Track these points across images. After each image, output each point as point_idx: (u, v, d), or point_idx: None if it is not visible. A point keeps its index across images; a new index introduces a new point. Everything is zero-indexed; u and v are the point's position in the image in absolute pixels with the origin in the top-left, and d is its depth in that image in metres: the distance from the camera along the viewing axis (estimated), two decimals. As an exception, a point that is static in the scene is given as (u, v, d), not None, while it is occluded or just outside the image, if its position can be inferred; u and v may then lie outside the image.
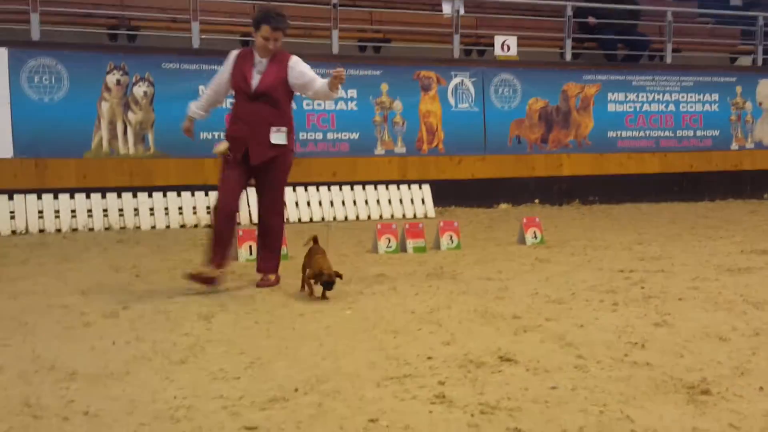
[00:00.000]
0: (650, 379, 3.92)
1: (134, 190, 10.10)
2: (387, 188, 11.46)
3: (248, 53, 6.17)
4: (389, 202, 11.39)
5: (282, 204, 6.36)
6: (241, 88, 6.08)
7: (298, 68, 6.12)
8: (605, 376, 4.01)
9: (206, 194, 10.18)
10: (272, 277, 6.35)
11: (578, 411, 3.49)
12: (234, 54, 6.22)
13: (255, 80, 6.04)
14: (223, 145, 6.09)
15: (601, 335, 4.81)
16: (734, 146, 13.98)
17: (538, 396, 3.70)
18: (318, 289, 5.87)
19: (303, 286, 6.07)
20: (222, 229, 6.05)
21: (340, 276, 5.81)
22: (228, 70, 6.17)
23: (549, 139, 12.92)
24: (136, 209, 10.04)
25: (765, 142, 14.26)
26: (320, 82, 6.11)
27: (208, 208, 6.21)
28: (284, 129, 6.11)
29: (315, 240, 6.17)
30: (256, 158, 6.04)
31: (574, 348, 4.52)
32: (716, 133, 13.89)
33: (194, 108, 6.36)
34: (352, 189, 11.25)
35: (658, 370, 4.08)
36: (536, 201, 12.69)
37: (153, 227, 9.97)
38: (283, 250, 7.58)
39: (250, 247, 7.57)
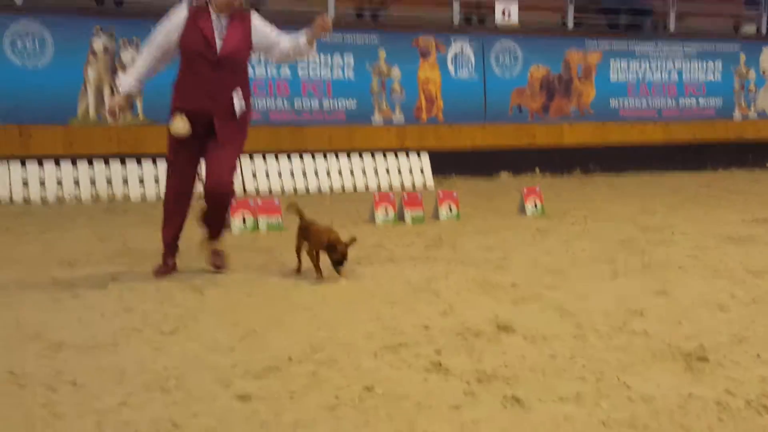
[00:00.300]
0: (648, 348, 3.94)
1: (123, 158, 10.06)
2: (385, 157, 11.44)
3: (202, 10, 5.31)
4: (387, 171, 11.38)
5: (234, 169, 5.56)
6: (202, 53, 5.25)
7: (263, 27, 5.46)
8: (603, 344, 4.03)
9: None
10: (219, 247, 5.81)
11: (576, 379, 3.52)
12: (183, 10, 5.32)
13: (218, 44, 5.29)
14: (181, 124, 5.33)
15: (600, 304, 4.83)
16: (737, 115, 13.95)
17: (535, 364, 3.72)
18: (326, 267, 5.54)
19: (299, 268, 5.69)
20: (172, 212, 5.66)
21: (353, 243, 5.48)
22: (176, 29, 5.27)
23: (550, 107, 12.88)
24: (124, 178, 10.01)
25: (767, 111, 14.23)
26: (289, 41, 5.48)
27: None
28: (240, 92, 5.42)
29: (298, 211, 5.77)
30: (224, 134, 5.39)
31: (573, 317, 4.54)
32: (719, 102, 13.84)
33: (130, 81, 5.38)
34: (348, 158, 11.23)
35: (656, 338, 4.11)
36: (537, 170, 12.67)
37: (143, 197, 9.94)
38: (278, 219, 7.58)
39: (244, 218, 7.57)
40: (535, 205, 8.74)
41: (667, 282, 5.38)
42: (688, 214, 8.62)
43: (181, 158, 5.50)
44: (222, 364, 3.75)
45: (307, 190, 10.84)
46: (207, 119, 5.37)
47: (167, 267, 5.70)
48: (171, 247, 5.74)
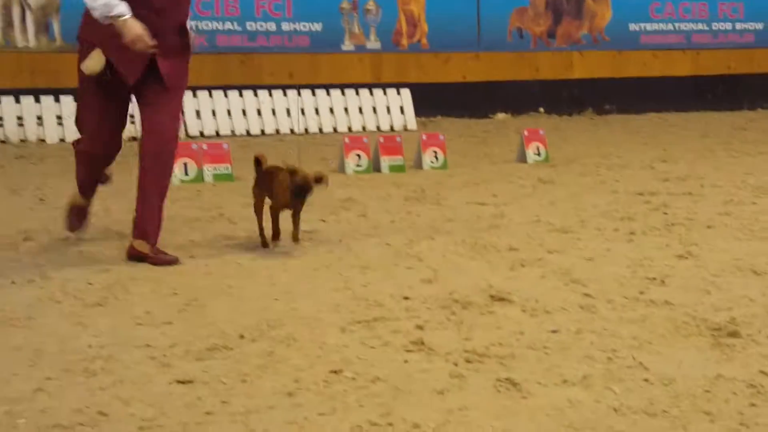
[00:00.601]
0: (669, 321, 3.99)
1: (37, 93, 9.93)
2: (357, 93, 11.40)
3: None
4: (360, 110, 11.35)
5: (179, 125, 5.49)
6: None
7: None
8: (616, 317, 4.07)
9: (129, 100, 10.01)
10: (146, 249, 5.08)
11: (582, 358, 3.55)
12: None
13: None
14: (97, 60, 5.02)
15: (614, 270, 4.87)
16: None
17: (535, 341, 3.75)
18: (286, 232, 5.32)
19: (265, 241, 5.42)
20: (84, 179, 5.48)
21: (320, 180, 5.25)
22: None
23: (557, 32, 12.85)
24: (39, 117, 9.90)
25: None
26: None
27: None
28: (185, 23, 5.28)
29: (259, 161, 5.48)
30: (172, 76, 5.17)
31: (581, 285, 4.57)
32: (759, 26, 13.86)
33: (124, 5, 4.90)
34: (313, 94, 11.18)
35: (678, 309, 4.15)
36: (540, 110, 12.71)
37: (62, 140, 9.82)
38: (227, 168, 7.55)
39: (186, 166, 7.52)
40: (538, 152, 8.76)
41: (692, 244, 5.43)
42: (720, 162, 8.69)
43: (100, 110, 5.20)
44: (158, 342, 3.75)
45: (263, 132, 10.79)
46: (143, 59, 5.03)
47: (80, 216, 5.53)
48: (86, 189, 5.52)
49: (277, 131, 10.81)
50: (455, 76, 12.24)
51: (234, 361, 3.53)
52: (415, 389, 3.24)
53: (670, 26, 13.37)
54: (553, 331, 3.88)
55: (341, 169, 8.07)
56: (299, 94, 10.90)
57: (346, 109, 11.27)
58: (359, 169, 8.05)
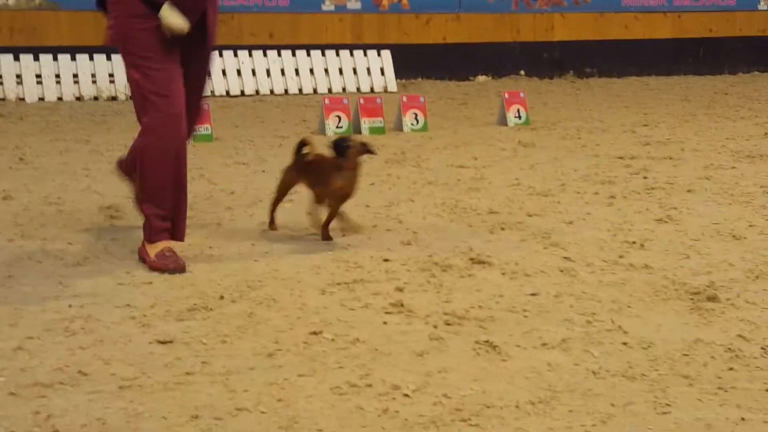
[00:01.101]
0: (648, 285, 4.02)
1: (16, 52, 9.82)
2: (337, 54, 11.31)
3: None
4: (340, 71, 11.27)
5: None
6: None
7: None
8: (595, 281, 4.10)
9: (108, 58, 9.93)
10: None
11: (562, 321, 3.58)
12: None
13: None
14: (177, 14, 4.21)
15: (593, 233, 4.89)
16: (763, 6, 13.99)
17: (514, 304, 3.78)
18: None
19: (273, 216, 4.96)
20: (167, 177, 4.33)
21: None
22: None
23: (539, -6, 12.79)
24: (18, 76, 9.79)
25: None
26: None
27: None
28: None
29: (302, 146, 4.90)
30: (213, 24, 4.49)
31: (561, 249, 4.60)
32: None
33: None
34: (293, 55, 11.08)
35: (658, 273, 4.18)
36: (521, 72, 12.65)
37: (41, 99, 9.76)
38: (207, 129, 7.50)
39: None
40: (519, 115, 8.75)
41: (672, 208, 5.46)
42: (701, 126, 8.70)
43: (173, 77, 4.30)
44: (139, 302, 3.75)
45: (242, 92, 10.71)
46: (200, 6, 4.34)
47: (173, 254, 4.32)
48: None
49: (257, 92, 10.72)
50: (436, 38, 12.16)
51: (214, 322, 3.54)
52: (394, 351, 3.26)
53: (652, -11, 13.33)
54: (533, 294, 3.90)
55: (321, 130, 8.03)
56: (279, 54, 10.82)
57: (326, 70, 11.18)
58: (339, 130, 8.01)
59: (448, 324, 3.55)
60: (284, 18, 11.35)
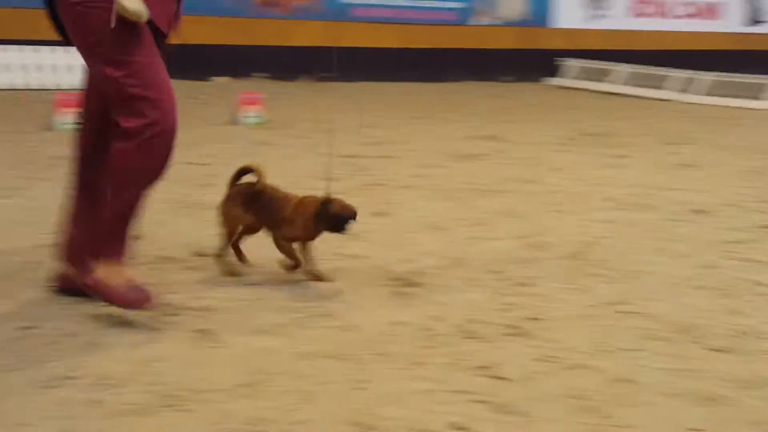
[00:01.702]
0: (361, 272, 4.17)
1: None
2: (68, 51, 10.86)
3: None
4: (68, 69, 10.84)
5: None
6: None
7: None
8: (312, 270, 4.19)
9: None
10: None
11: (277, 309, 3.64)
12: None
13: None
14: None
15: (314, 226, 5.00)
16: (477, 21, 14.80)
17: (234, 294, 3.81)
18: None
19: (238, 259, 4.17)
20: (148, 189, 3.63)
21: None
22: None
23: (279, 1, 12.87)
24: None
25: (506, 18, 15.24)
26: None
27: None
28: None
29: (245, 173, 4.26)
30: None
31: (282, 241, 4.66)
32: (463, 5, 14.59)
33: None
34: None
35: (368, 262, 4.35)
36: (261, 74, 12.69)
37: None
38: None
39: None
40: (254, 115, 8.78)
41: (388, 202, 5.67)
42: (418, 129, 9.11)
43: (160, 69, 3.58)
44: None
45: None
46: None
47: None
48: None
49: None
50: (174, 39, 11.95)
51: None
52: (106, 343, 3.18)
53: (381, 0, 13.77)
54: (253, 284, 3.94)
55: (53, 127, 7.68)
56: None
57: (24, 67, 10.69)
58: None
59: (167, 315, 3.51)
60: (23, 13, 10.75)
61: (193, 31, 11.93)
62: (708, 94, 13.31)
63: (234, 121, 8.71)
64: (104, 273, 3.42)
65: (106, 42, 3.39)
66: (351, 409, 2.73)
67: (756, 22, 19.50)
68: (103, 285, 3.40)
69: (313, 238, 4.02)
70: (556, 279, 4.17)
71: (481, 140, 8.47)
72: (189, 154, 6.97)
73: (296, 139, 8.01)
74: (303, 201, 4.06)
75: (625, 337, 3.44)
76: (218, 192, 5.64)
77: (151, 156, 3.48)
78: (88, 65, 3.58)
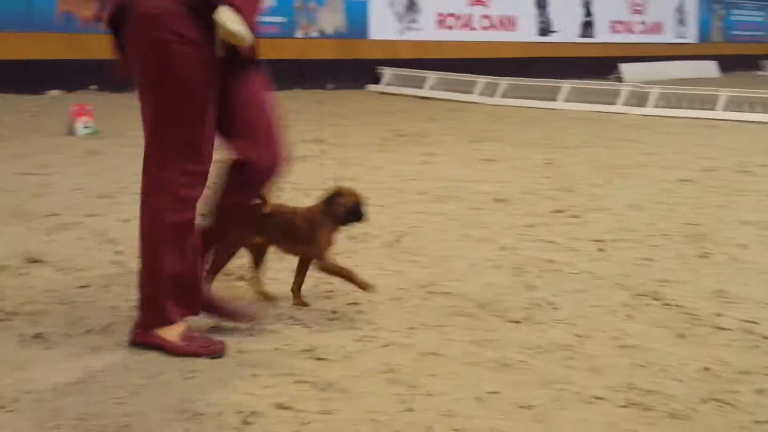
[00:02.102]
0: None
1: None
2: None
3: None
4: None
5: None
6: None
7: None
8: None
9: None
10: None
11: (108, 309, 3.52)
12: None
13: None
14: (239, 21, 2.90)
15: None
16: (299, 34, 14.85)
17: (65, 297, 3.65)
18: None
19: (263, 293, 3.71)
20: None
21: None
22: None
23: (103, 17, 12.48)
24: None
25: (327, 31, 15.36)
26: None
27: None
28: None
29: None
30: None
31: (114, 244, 4.53)
32: (284, 19, 14.59)
33: None
34: None
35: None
36: (93, 87, 12.24)
37: None
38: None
39: None
40: (87, 125, 8.47)
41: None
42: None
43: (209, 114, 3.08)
44: None
45: None
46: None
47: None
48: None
49: None
50: (7, 54, 11.36)
51: None
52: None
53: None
54: (83, 287, 3.80)
55: None
56: None
57: None
58: None
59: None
60: None
61: (24, 47, 11.45)
62: (509, 97, 13.87)
63: (69, 132, 8.37)
64: None
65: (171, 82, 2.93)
66: (180, 398, 2.68)
67: (546, 32, 20.53)
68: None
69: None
70: (374, 266, 4.23)
71: (307, 143, 8.48)
72: (26, 165, 6.68)
73: (126, 148, 7.77)
74: (307, 214, 3.60)
75: (434, 315, 3.53)
76: (51, 201, 5.47)
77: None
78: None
